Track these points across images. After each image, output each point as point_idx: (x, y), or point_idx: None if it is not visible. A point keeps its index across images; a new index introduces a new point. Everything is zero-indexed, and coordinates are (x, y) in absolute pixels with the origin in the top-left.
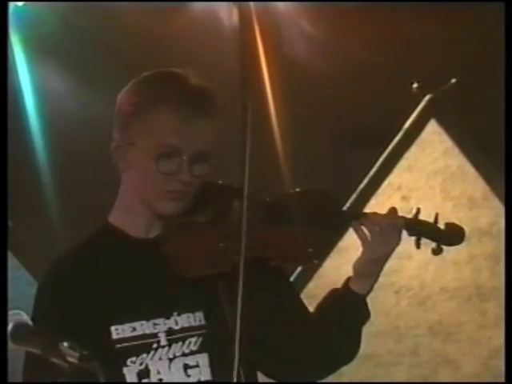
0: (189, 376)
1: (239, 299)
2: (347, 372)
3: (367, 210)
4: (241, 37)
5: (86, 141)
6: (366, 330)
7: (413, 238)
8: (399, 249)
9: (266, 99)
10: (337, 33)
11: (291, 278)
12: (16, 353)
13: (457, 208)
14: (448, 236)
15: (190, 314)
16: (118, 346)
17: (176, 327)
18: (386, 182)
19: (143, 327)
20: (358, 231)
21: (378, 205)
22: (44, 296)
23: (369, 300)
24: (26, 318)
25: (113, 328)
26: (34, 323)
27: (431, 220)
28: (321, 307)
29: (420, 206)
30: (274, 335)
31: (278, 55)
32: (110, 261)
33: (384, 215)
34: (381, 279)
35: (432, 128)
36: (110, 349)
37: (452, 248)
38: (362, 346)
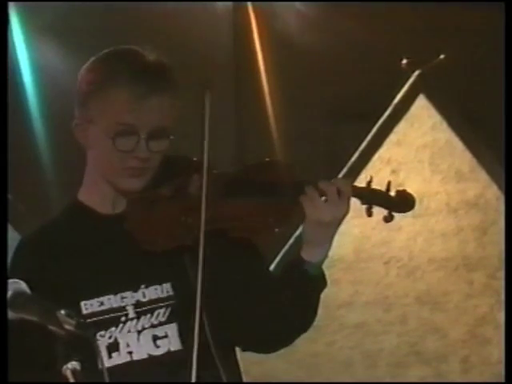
0: (158, 347)
1: (199, 271)
2: (338, 340)
3: (357, 183)
4: (234, 14)
5: None
6: (357, 300)
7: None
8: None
9: (259, 75)
10: (328, 10)
11: (283, 250)
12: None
13: (445, 181)
14: (398, 203)
15: (158, 286)
16: (88, 320)
17: (144, 299)
18: (375, 156)
19: (111, 301)
20: (303, 199)
21: (368, 178)
22: (15, 271)
23: (359, 271)
24: (23, 286)
25: (82, 303)
26: None
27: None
28: (277, 278)
29: (409, 180)
30: (234, 304)
31: (271, 32)
32: (78, 237)
33: (330, 183)
34: (371, 250)
35: (421, 103)
36: None
37: (440, 219)
38: (353, 315)
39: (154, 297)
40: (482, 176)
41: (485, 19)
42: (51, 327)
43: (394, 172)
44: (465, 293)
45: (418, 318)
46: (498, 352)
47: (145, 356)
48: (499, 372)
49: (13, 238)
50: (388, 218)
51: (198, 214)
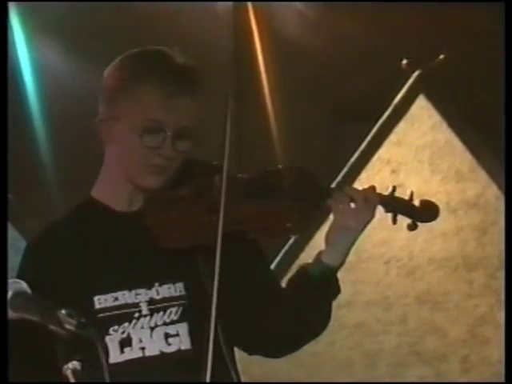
0: (169, 344)
1: (216, 271)
2: (338, 340)
3: (357, 183)
4: (234, 14)
5: (85, 117)
6: (357, 300)
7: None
8: (389, 221)
9: (259, 76)
10: (328, 11)
11: (283, 250)
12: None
13: (445, 181)
14: (421, 213)
15: (171, 285)
16: (101, 315)
17: (157, 297)
18: (375, 157)
19: (125, 297)
20: (332, 205)
21: (368, 178)
22: (26, 269)
23: (359, 270)
24: (24, 286)
25: (95, 298)
26: None
27: (407, 197)
28: (292, 280)
29: (409, 180)
30: (246, 308)
31: (271, 32)
32: (93, 234)
33: (360, 190)
34: (371, 250)
35: (420, 103)
36: (93, 319)
37: (440, 219)
38: (353, 314)
39: (167, 295)
40: (482, 176)
41: (485, 19)
42: (52, 327)
43: (393, 172)
44: (465, 293)
45: (417, 318)
46: (498, 352)
47: (157, 352)
48: (499, 372)
49: (13, 237)
50: (412, 227)
51: (216, 214)
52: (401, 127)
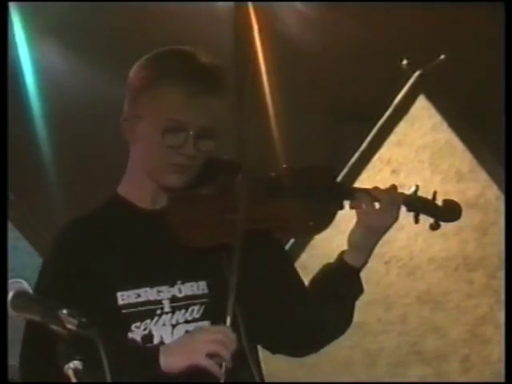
0: None
1: (234, 269)
2: (338, 340)
3: (358, 183)
4: (235, 14)
5: (86, 118)
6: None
7: (404, 212)
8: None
9: (260, 76)
10: (329, 11)
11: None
12: (16, 321)
13: (445, 181)
14: (445, 212)
15: (193, 283)
16: (124, 311)
17: (179, 295)
18: (376, 157)
19: (147, 294)
20: (356, 205)
21: (368, 179)
22: (52, 263)
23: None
24: (26, 286)
25: (118, 294)
26: (38, 291)
27: (430, 197)
28: (315, 280)
29: (409, 180)
30: (270, 307)
31: (272, 32)
32: (117, 230)
33: (384, 190)
34: None
35: (421, 103)
36: (116, 314)
37: None
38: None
39: (189, 293)
40: (482, 176)
41: (485, 19)
42: (53, 327)
43: (394, 172)
44: (465, 292)
45: (418, 318)
46: (498, 351)
47: None
48: (499, 371)
49: (13, 237)
50: (434, 226)
51: (239, 213)
52: (401, 127)
